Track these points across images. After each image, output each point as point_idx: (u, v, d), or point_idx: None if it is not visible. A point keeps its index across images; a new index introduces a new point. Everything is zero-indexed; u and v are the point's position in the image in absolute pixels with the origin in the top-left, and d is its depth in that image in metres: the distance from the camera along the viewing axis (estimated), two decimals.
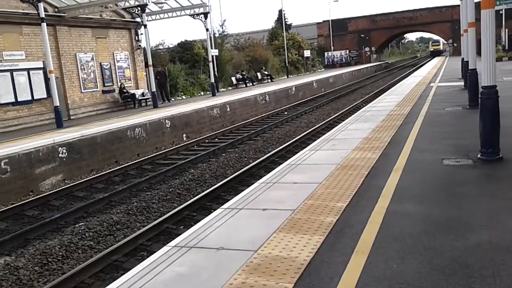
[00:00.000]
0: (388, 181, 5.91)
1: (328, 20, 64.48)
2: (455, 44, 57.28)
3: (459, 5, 20.51)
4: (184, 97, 28.99)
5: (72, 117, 20.62)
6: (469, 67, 12.54)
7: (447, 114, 11.62)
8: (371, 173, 6.41)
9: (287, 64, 45.92)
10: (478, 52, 9.21)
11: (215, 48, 31.92)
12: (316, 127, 17.38)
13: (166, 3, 24.59)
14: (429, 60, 57.34)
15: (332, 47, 62.47)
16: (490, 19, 6.32)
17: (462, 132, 8.95)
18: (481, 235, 4.07)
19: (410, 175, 6.18)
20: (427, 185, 5.72)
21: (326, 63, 59.78)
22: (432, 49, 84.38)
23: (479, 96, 6.87)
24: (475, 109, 10.49)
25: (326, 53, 61.35)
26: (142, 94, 24.60)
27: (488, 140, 6.59)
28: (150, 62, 22.04)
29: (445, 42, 68.47)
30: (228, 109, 21.50)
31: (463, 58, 17.99)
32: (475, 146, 6.98)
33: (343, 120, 13.43)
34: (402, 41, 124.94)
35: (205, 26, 26.43)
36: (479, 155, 6.71)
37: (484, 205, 4.88)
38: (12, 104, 18.02)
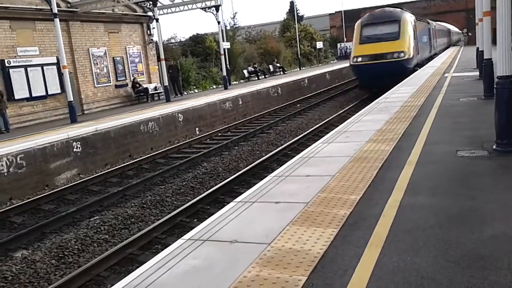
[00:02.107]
0: (402, 174, 5.86)
1: (341, 11, 63.85)
2: (469, 34, 56.40)
3: None
4: (196, 90, 29.05)
5: (85, 112, 20.81)
6: (484, 57, 12.37)
7: (461, 104, 11.48)
8: (384, 165, 6.36)
9: (299, 56, 45.66)
10: (494, 42, 9.08)
11: (226, 41, 31.85)
12: (329, 119, 17.32)
13: None
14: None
15: (345, 38, 61.90)
16: (506, 8, 6.21)
17: (477, 123, 8.83)
18: (496, 227, 4.03)
19: (424, 167, 6.12)
20: (441, 177, 5.66)
21: (338, 55, 59.28)
22: (358, 57, 21.97)
23: (495, 86, 6.78)
24: (490, 99, 10.34)
25: (338, 45, 60.84)
26: (155, 88, 24.71)
27: (504, 131, 6.50)
28: (162, 56, 22.11)
29: (458, 29, 65.10)
30: (240, 102, 21.50)
31: (478, 48, 17.71)
32: (490, 137, 6.89)
33: (357, 112, 13.34)
34: None
35: (216, 19, 26.40)
36: (494, 146, 6.62)
37: (499, 197, 4.82)
38: (27, 99, 18.25)
